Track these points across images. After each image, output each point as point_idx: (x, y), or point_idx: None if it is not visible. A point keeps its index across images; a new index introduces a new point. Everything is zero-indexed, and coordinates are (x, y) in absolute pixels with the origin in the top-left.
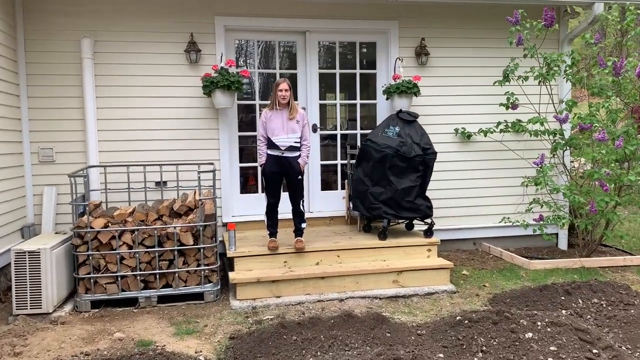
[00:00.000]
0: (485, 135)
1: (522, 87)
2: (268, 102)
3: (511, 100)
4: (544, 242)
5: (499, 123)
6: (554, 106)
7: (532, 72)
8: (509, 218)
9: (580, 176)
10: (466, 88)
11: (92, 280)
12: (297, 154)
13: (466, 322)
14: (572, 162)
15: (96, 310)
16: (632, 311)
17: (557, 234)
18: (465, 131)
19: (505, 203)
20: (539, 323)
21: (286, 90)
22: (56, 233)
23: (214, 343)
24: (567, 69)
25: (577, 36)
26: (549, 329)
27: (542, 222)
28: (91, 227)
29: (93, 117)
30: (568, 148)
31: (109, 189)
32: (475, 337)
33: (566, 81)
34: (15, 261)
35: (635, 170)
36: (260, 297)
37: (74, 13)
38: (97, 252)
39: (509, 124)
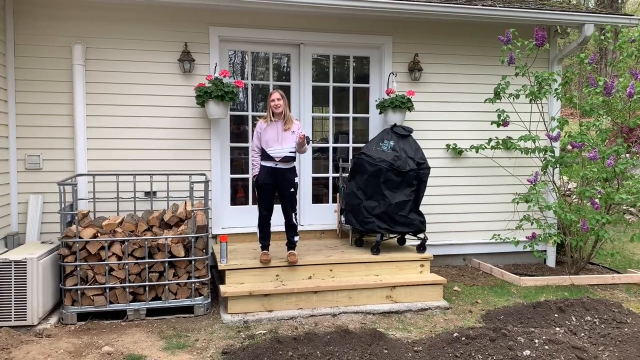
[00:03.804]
0: (477, 152)
1: (513, 104)
2: (260, 113)
3: (502, 118)
4: (533, 259)
5: (490, 140)
6: (545, 124)
7: (523, 90)
8: (499, 235)
9: (565, 194)
10: (458, 104)
11: (79, 292)
12: (291, 165)
13: (463, 338)
14: (560, 179)
15: (82, 322)
16: (626, 329)
17: (545, 251)
18: (457, 147)
19: (495, 219)
20: (536, 340)
21: (278, 99)
22: (42, 242)
23: (206, 358)
24: (558, 88)
25: (567, 56)
26: (546, 347)
27: (533, 240)
28: (80, 237)
29: (83, 125)
30: (558, 166)
31: (97, 199)
32: (473, 354)
33: (557, 100)
34: (0, 271)
35: (625, 188)
36: (251, 311)
37: (66, 18)
38: (85, 263)
39: (500, 141)
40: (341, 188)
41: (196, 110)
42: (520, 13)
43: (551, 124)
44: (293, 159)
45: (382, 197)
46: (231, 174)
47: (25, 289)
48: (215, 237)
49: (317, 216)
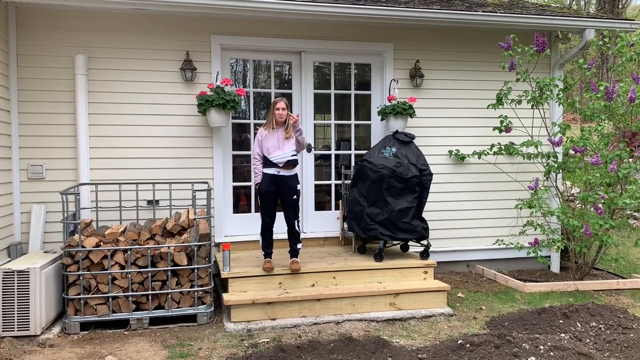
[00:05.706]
0: (479, 158)
1: (516, 110)
2: (262, 121)
3: (504, 124)
4: (537, 265)
5: (492, 145)
6: (547, 129)
7: (525, 95)
8: (502, 240)
9: (568, 199)
10: (460, 110)
11: (82, 301)
12: (293, 172)
13: (468, 345)
14: (563, 184)
15: (85, 332)
16: (632, 335)
17: (549, 257)
18: (459, 153)
19: (498, 225)
20: (541, 347)
21: (283, 109)
22: (45, 252)
23: None
24: (560, 93)
25: (569, 61)
26: (551, 353)
27: (537, 246)
28: (83, 246)
29: (85, 134)
30: (561, 171)
31: (100, 208)
32: None
33: (558, 105)
34: (2, 281)
35: (629, 193)
36: (255, 320)
37: (68, 29)
38: (88, 272)
39: (503, 147)
40: (344, 195)
41: (198, 118)
42: (521, 19)
43: (553, 129)
44: (295, 163)
45: (385, 203)
46: (233, 182)
47: (28, 299)
48: (218, 245)
49: (320, 223)
